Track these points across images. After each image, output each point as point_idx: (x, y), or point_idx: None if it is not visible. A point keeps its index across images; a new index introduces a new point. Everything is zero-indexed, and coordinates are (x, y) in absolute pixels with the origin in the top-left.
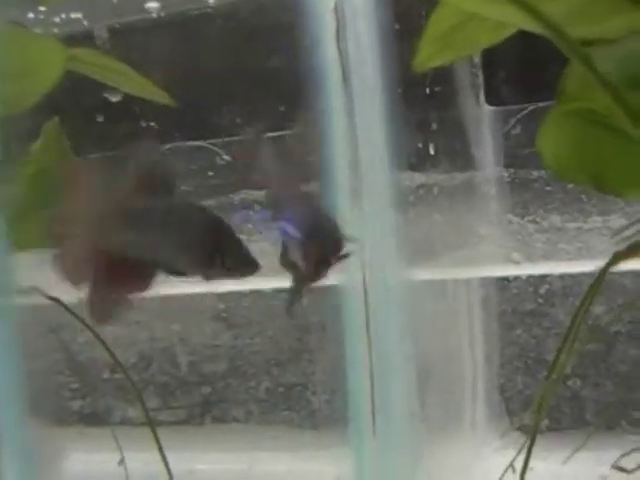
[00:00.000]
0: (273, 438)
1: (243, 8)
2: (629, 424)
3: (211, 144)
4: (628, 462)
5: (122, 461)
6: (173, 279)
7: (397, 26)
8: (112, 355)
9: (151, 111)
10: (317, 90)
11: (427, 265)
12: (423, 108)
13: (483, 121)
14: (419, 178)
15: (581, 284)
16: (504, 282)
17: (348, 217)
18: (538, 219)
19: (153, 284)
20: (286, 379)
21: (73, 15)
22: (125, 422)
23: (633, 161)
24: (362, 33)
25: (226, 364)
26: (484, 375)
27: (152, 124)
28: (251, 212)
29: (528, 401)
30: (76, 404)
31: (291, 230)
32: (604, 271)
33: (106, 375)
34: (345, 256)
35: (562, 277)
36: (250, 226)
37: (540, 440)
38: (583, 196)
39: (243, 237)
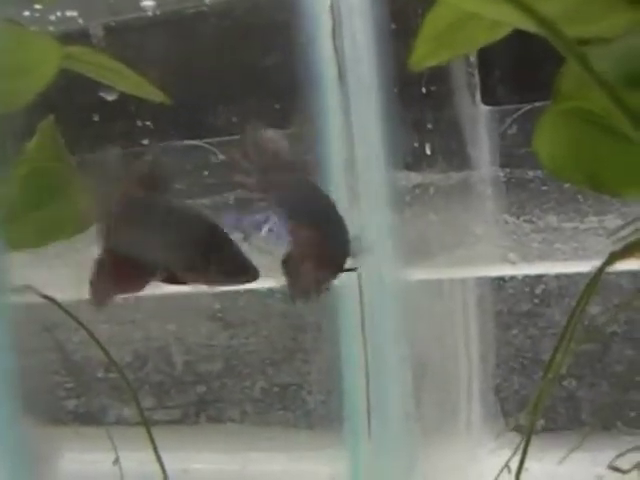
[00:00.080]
0: (268, 438)
1: (239, 6)
2: (624, 424)
3: (206, 143)
4: (623, 463)
5: (117, 460)
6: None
7: (393, 25)
8: (107, 354)
9: (146, 110)
10: (313, 89)
11: (423, 265)
12: (419, 107)
13: (479, 121)
14: (415, 178)
15: (577, 284)
16: (500, 282)
17: (344, 216)
18: (534, 219)
19: (148, 284)
20: (281, 379)
21: (69, 13)
22: (120, 421)
23: (629, 161)
24: (358, 31)
25: (221, 364)
26: (479, 375)
27: (147, 123)
28: (244, 215)
29: (523, 401)
30: (71, 403)
31: (304, 232)
32: (600, 271)
33: (101, 374)
34: (354, 268)
35: (558, 277)
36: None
37: (535, 440)
38: (579, 196)
39: (239, 235)
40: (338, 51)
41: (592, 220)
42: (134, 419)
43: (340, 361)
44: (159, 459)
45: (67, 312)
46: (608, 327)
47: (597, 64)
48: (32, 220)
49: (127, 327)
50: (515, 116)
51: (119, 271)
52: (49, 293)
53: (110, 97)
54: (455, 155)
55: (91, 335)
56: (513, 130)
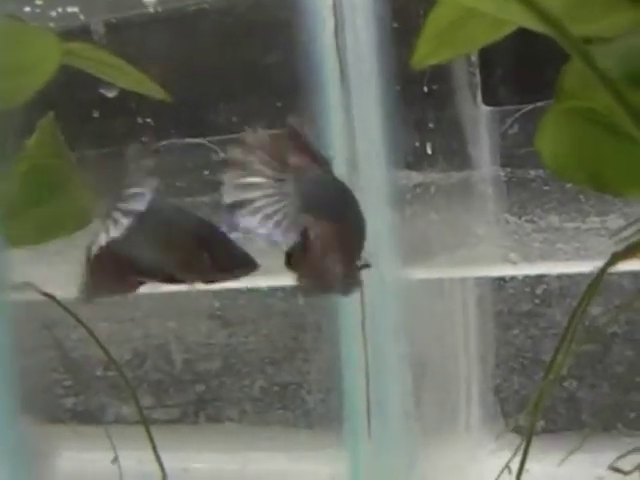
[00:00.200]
0: (268, 438)
1: (240, 4)
2: (625, 426)
3: (207, 141)
4: (624, 464)
5: (116, 459)
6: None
7: (395, 23)
8: (106, 352)
9: (147, 107)
10: (314, 87)
11: (423, 264)
12: (421, 106)
13: (480, 121)
14: (416, 177)
15: (579, 285)
16: (500, 282)
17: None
18: (535, 219)
19: (142, 284)
20: (281, 378)
21: (69, 9)
22: (119, 420)
23: (632, 160)
24: (360, 30)
25: (221, 362)
26: (479, 376)
27: (148, 120)
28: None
29: (523, 402)
30: (69, 401)
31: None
32: (602, 272)
33: (100, 372)
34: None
35: (559, 277)
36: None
37: (536, 442)
38: (581, 196)
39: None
40: (340, 49)
41: (594, 220)
42: (133, 418)
43: (340, 360)
44: (158, 458)
45: (67, 309)
46: (609, 328)
47: (601, 62)
48: (32, 217)
49: (126, 325)
50: (517, 115)
51: (111, 270)
52: (49, 290)
53: (111, 94)
54: (456, 155)
55: (90, 333)
56: (514, 130)
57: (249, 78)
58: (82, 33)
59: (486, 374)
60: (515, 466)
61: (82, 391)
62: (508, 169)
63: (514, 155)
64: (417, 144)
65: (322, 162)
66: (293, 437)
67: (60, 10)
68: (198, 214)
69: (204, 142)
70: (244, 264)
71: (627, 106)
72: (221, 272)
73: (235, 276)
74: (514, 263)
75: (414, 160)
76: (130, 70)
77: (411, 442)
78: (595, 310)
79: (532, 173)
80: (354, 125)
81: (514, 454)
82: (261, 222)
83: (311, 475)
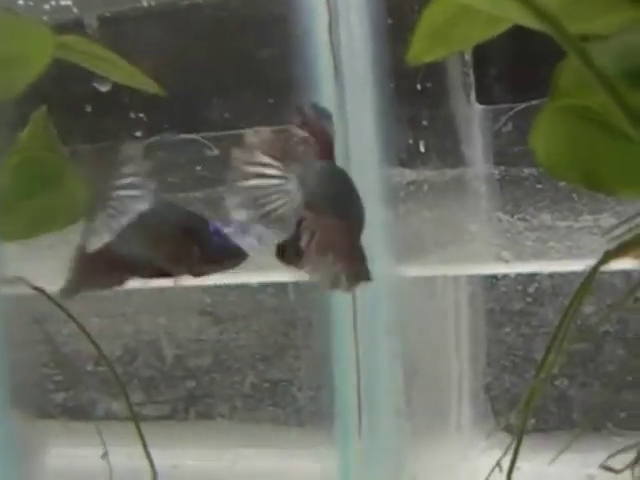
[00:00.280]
0: (258, 435)
1: None
2: (616, 425)
3: (200, 136)
4: (615, 463)
5: (105, 455)
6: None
7: (390, 20)
8: (97, 348)
9: (140, 102)
10: (308, 83)
11: (416, 262)
12: (414, 104)
13: (474, 119)
14: (409, 174)
15: (571, 283)
16: (493, 280)
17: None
18: (528, 217)
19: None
20: (272, 375)
21: (63, 3)
22: (109, 416)
23: (626, 159)
24: (354, 26)
25: (211, 359)
26: (470, 374)
27: (141, 115)
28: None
29: (514, 401)
30: (59, 397)
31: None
32: (594, 270)
33: (90, 368)
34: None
35: (552, 276)
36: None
37: (526, 440)
38: (574, 195)
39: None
40: (334, 45)
41: (587, 219)
42: (123, 413)
43: (331, 358)
44: (148, 454)
45: (57, 304)
46: (601, 327)
47: (596, 60)
48: (24, 210)
49: (117, 321)
50: (510, 114)
51: (99, 263)
52: (40, 285)
53: (104, 88)
54: (450, 152)
55: (81, 328)
56: (508, 128)
57: (242, 73)
58: (75, 27)
59: (477, 372)
60: (506, 465)
61: (72, 386)
62: (501, 167)
63: (507, 153)
64: (410, 141)
65: (330, 148)
66: (284, 434)
67: (53, 3)
68: (188, 208)
69: (197, 138)
70: (234, 255)
71: (623, 104)
72: (210, 264)
73: (225, 267)
74: (506, 261)
75: (407, 157)
76: (123, 64)
77: (402, 440)
78: (587, 309)
79: (525, 171)
80: (347, 121)
81: (505, 453)
82: (262, 220)
83: (301, 473)
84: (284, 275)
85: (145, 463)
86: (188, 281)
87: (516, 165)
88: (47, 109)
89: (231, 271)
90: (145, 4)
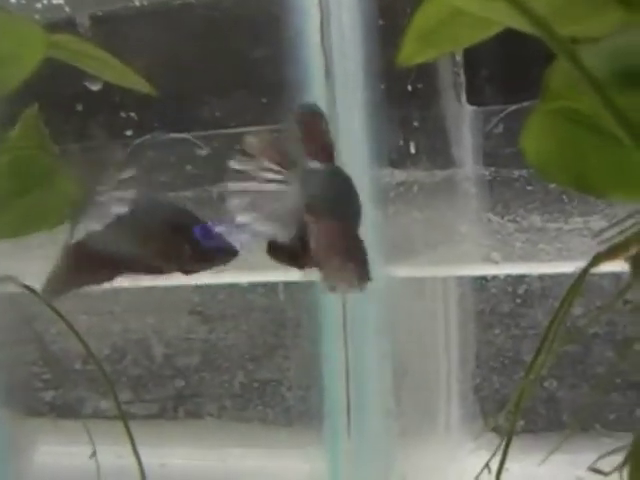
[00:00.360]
0: (247, 434)
1: None
2: (604, 427)
3: (192, 135)
4: (603, 465)
5: (94, 454)
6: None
7: (381, 21)
8: (85, 346)
9: (131, 101)
10: (300, 83)
11: (405, 263)
12: (405, 105)
13: (464, 120)
14: (399, 175)
15: (560, 285)
16: (482, 281)
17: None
18: (518, 219)
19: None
20: (261, 374)
21: (55, 1)
22: (97, 414)
23: (616, 161)
24: (346, 27)
25: (200, 358)
26: (459, 375)
27: (132, 114)
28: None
29: (503, 402)
30: (48, 395)
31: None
32: (584, 272)
33: (79, 366)
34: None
35: (541, 278)
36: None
37: (515, 441)
38: (564, 196)
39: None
40: (325, 46)
41: (577, 221)
42: (111, 412)
43: (320, 358)
44: (136, 453)
45: (46, 303)
46: (589, 329)
47: (586, 62)
48: (14, 208)
49: (106, 319)
50: (501, 116)
51: (87, 261)
52: (30, 284)
53: (95, 87)
54: (440, 153)
55: (70, 326)
56: (499, 129)
57: (234, 73)
58: (67, 25)
59: (466, 373)
60: (495, 466)
61: (61, 385)
62: (492, 168)
63: (498, 154)
64: (401, 142)
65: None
66: (273, 434)
67: (45, 2)
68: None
69: (188, 137)
70: (224, 252)
71: (612, 106)
72: (200, 261)
73: (215, 264)
74: (496, 263)
75: (398, 158)
76: (115, 63)
77: (391, 441)
78: (576, 310)
79: (516, 173)
80: (338, 121)
81: (494, 454)
82: (263, 222)
83: (290, 472)
84: (274, 275)
85: (133, 461)
86: (178, 279)
87: (506, 166)
88: (38, 108)
89: (221, 270)
90: (137, 3)
